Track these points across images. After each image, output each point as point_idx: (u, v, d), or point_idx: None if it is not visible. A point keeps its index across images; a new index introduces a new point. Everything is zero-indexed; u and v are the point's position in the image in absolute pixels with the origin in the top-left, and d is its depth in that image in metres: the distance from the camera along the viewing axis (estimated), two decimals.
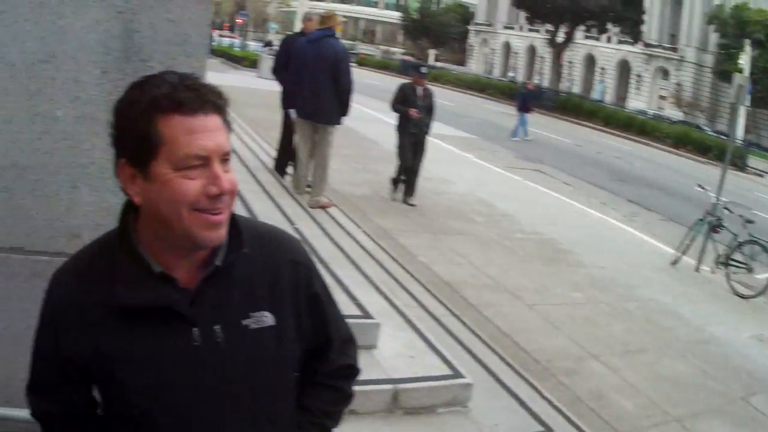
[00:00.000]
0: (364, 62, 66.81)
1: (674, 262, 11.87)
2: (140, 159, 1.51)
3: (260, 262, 1.71)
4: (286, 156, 10.16)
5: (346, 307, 4.77)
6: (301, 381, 1.85)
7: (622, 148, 33.45)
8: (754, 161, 38.57)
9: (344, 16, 11.11)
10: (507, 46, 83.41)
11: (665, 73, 68.08)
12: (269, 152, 11.29)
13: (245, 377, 1.67)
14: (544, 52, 71.80)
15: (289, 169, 10.09)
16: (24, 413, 2.95)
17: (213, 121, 1.52)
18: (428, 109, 12.19)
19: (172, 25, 2.81)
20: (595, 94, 67.21)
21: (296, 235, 1.91)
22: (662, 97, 66.90)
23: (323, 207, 8.93)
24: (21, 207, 2.88)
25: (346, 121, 9.16)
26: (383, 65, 67.71)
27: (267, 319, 1.68)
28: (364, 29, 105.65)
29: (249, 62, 39.10)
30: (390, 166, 12.59)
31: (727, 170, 12.99)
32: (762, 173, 36.21)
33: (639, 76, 69.15)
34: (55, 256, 2.82)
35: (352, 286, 5.79)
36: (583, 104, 48.15)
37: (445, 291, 8.13)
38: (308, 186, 9.39)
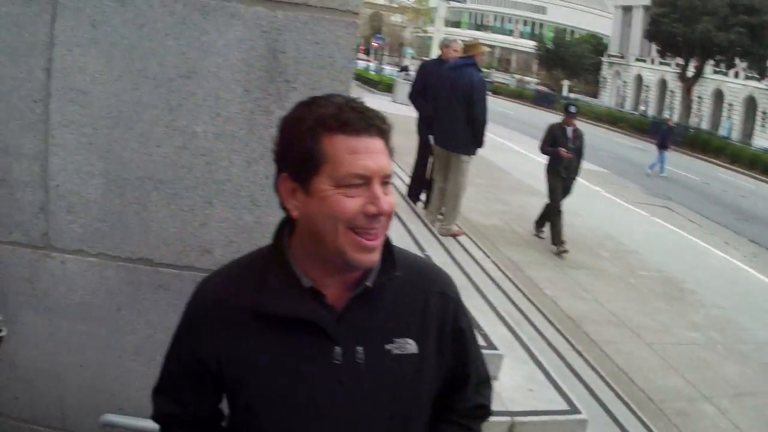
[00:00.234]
0: (499, 90, 66.47)
1: None
2: (303, 174, 1.55)
3: (410, 290, 1.71)
4: (419, 182, 10.01)
5: None
6: (433, 416, 1.80)
7: (746, 186, 31.96)
8: None
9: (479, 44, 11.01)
10: (639, 79, 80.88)
11: None
12: (403, 178, 11.19)
13: (381, 402, 1.64)
14: (675, 86, 69.39)
15: (422, 196, 9.96)
16: (142, 423, 2.97)
17: (376, 143, 1.54)
18: (578, 151, 11.35)
19: (317, 47, 2.70)
20: (722, 131, 64.71)
21: None
22: None
23: (454, 235, 8.82)
24: (154, 219, 2.83)
25: (479, 150, 8.99)
26: (517, 94, 67.19)
27: (410, 346, 1.67)
28: (499, 57, 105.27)
29: (384, 86, 39.26)
30: (522, 197, 12.39)
31: None
32: None
33: (764, 112, 66.16)
34: (184, 270, 2.85)
35: (478, 315, 5.69)
36: (711, 140, 46.07)
37: (568, 325, 8.03)
38: (440, 213, 9.21)
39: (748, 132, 65.85)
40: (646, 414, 5.98)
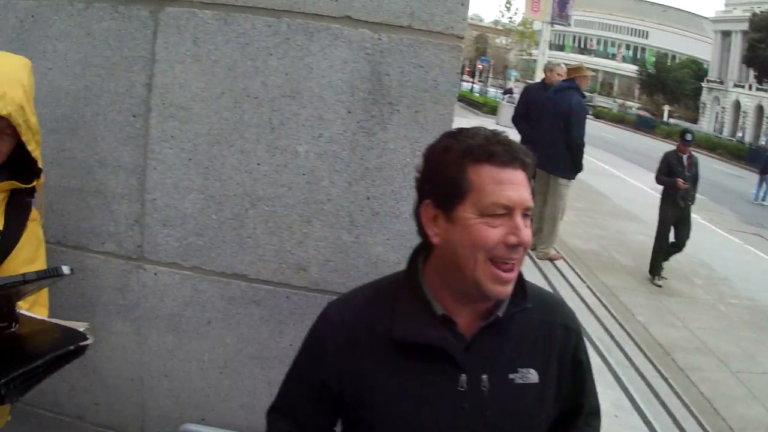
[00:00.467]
0: (601, 115, 65.38)
1: None
2: (447, 202, 1.56)
3: (536, 321, 1.70)
4: None
5: None
6: None
7: None
8: None
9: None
10: (737, 105, 78.03)
11: None
12: None
13: (501, 430, 1.63)
14: None
15: None
16: None
17: (519, 176, 1.54)
18: (694, 178, 10.64)
19: (421, 71, 2.59)
20: None
21: None
22: None
23: (551, 259, 8.71)
24: (251, 236, 2.77)
25: (579, 174, 8.78)
26: (619, 119, 65.77)
27: (532, 376, 1.66)
28: (602, 81, 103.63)
29: (489, 109, 39.13)
30: (621, 222, 12.06)
31: None
32: None
33: None
34: (278, 286, 2.78)
35: None
36: None
37: (657, 352, 7.91)
38: (538, 237, 9.04)
39: None
40: None
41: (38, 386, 1.98)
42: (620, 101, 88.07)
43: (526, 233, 1.52)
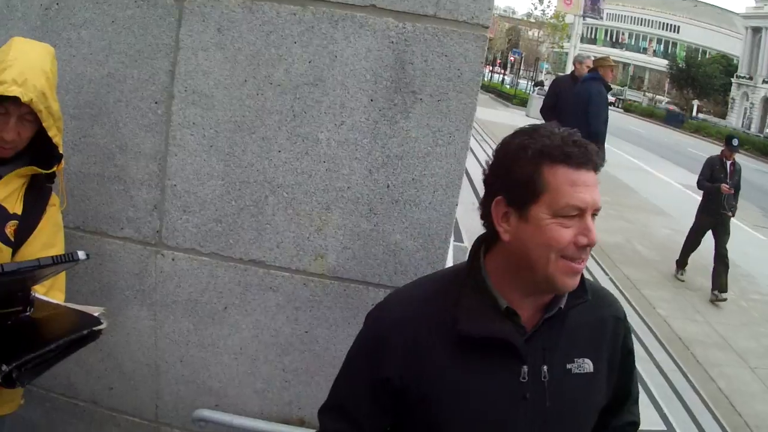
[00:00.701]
0: (631, 108, 64.55)
1: None
2: (520, 200, 1.54)
3: (590, 313, 1.70)
4: None
5: None
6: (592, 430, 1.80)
7: None
8: None
9: (614, 61, 10.60)
10: (765, 101, 76.74)
11: None
12: None
13: (560, 418, 1.63)
14: None
15: None
16: (235, 419, 2.83)
17: (592, 177, 1.53)
18: (736, 186, 10.01)
19: (445, 60, 2.52)
20: None
21: None
22: None
23: None
24: (269, 222, 2.73)
25: (606, 166, 8.63)
26: (648, 113, 64.62)
27: (587, 365, 1.67)
28: (632, 75, 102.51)
29: (519, 100, 38.71)
30: (646, 216, 11.84)
31: None
32: None
33: None
34: (296, 273, 2.74)
35: None
36: None
37: (677, 346, 7.81)
38: None
39: None
40: None
41: (52, 370, 1.96)
42: (650, 95, 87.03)
43: (595, 234, 1.52)
